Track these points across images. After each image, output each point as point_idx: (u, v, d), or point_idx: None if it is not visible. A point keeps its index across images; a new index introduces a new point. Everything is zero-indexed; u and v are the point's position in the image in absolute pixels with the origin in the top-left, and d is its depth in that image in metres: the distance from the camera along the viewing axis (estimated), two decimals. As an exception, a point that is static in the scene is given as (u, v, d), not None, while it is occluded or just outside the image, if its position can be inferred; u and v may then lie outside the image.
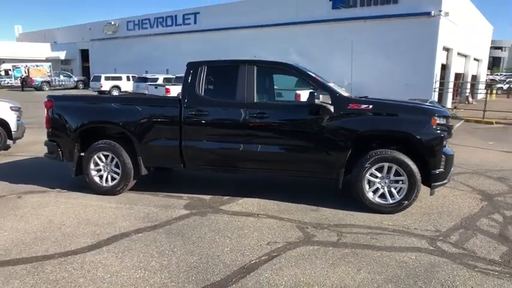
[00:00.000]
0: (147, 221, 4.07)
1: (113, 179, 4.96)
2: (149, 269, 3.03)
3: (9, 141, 7.85)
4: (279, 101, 5.87)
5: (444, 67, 20.51)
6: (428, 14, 17.47)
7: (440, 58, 19.10)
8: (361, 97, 4.66)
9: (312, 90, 5.03)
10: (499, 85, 32.85)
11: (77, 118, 5.00)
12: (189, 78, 4.77)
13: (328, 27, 20.80)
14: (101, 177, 4.98)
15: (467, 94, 22.83)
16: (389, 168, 4.26)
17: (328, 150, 4.34)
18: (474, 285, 2.84)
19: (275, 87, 5.50)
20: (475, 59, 26.98)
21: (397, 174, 4.27)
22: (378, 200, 4.33)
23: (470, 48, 24.37)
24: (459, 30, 20.94)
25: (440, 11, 17.27)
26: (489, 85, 25.07)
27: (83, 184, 5.15)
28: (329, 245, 3.50)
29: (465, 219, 4.22)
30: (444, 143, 4.28)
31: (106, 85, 26.22)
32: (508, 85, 32.44)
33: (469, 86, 24.04)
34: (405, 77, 17.83)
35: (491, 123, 14.09)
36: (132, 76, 27.24)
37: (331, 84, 4.58)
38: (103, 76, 26.58)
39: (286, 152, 4.50)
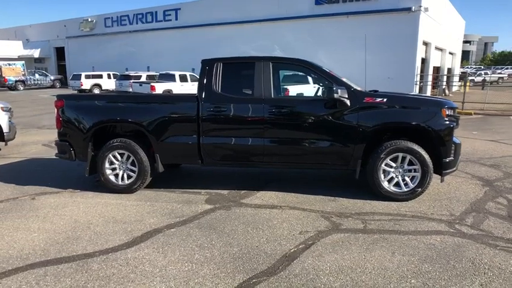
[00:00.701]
0: (174, 217, 4.12)
1: (129, 177, 4.96)
2: (195, 261, 3.11)
3: (0, 143, 7.61)
4: (296, 95, 6.01)
5: (423, 61, 21.23)
6: (409, 9, 18.02)
7: (421, 52, 19.76)
8: (370, 91, 4.86)
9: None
10: (470, 77, 34.34)
11: (91, 117, 4.94)
12: (205, 75, 4.82)
13: (311, 23, 21.08)
14: (116, 175, 4.96)
15: (443, 87, 23.72)
16: (404, 158, 4.49)
17: (346, 142, 4.52)
18: (501, 261, 3.09)
19: None
20: (450, 53, 28.04)
21: (410, 163, 4.50)
22: (393, 188, 4.56)
23: (446, 42, 25.31)
24: (436, 24, 21.72)
25: (421, 6, 17.86)
26: (463, 77, 26.14)
27: (94, 183, 5.12)
28: (358, 232, 3.69)
29: (474, 204, 4.51)
30: (453, 132, 4.55)
31: (86, 83, 25.46)
32: (480, 77, 33.94)
33: (445, 78, 24.97)
34: (387, 71, 18.32)
35: (470, 114, 14.74)
36: (113, 74, 26.59)
37: (344, 79, 4.75)
38: (83, 74, 25.76)
39: (306, 145, 4.63)
